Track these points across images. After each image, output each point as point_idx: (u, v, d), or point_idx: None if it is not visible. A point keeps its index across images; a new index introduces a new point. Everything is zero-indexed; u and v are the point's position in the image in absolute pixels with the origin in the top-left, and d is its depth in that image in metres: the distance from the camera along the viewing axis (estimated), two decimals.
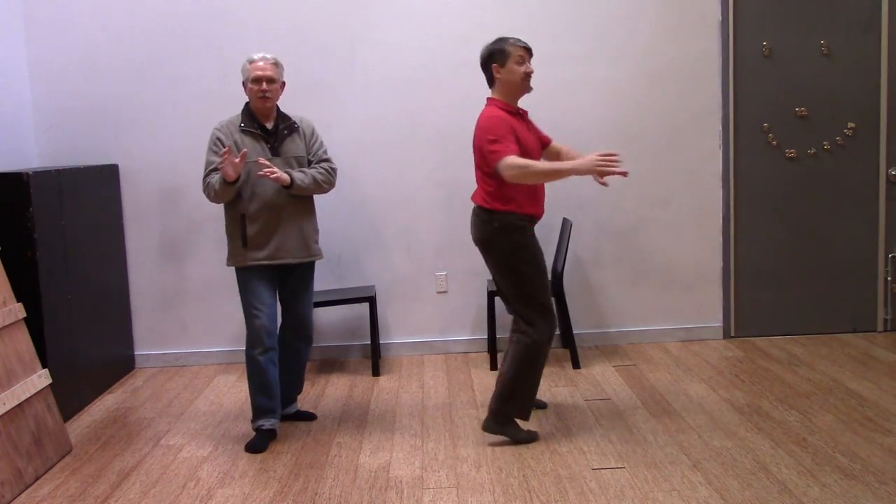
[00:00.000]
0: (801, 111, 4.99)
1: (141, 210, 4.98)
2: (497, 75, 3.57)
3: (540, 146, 3.74)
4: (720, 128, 4.99)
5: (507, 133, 3.47)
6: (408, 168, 4.97)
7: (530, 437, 3.64)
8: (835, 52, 4.96)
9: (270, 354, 3.72)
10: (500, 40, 3.58)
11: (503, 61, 3.55)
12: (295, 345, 3.93)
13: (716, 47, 4.94)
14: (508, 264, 3.57)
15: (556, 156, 3.82)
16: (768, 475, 3.20)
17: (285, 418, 3.99)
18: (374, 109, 4.93)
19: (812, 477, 3.17)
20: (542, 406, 4.05)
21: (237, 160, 3.50)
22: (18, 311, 3.62)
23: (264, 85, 3.64)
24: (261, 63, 3.66)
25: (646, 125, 4.98)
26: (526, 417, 3.66)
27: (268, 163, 3.57)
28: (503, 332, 4.58)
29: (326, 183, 3.79)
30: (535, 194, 3.61)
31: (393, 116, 4.94)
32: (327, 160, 3.85)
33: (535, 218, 3.64)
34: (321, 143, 3.88)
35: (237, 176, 3.54)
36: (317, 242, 3.85)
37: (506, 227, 3.54)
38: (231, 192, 3.60)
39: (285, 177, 3.59)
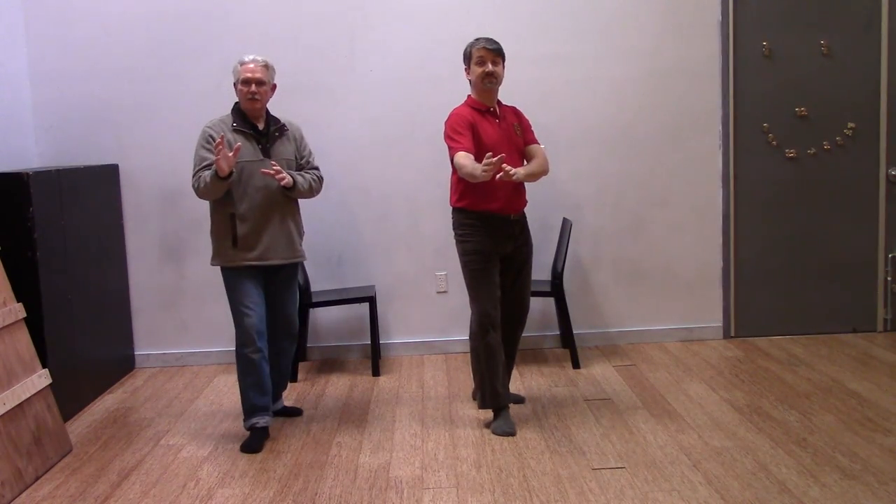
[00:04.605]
0: (801, 111, 4.99)
1: (141, 210, 4.98)
2: (467, 76, 3.83)
3: (512, 144, 3.80)
4: (720, 128, 4.99)
5: (463, 129, 3.67)
6: (408, 168, 4.97)
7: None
8: (835, 52, 4.96)
9: (263, 352, 3.74)
10: (469, 43, 3.81)
11: (468, 63, 3.80)
12: (281, 344, 3.96)
13: (716, 47, 4.94)
14: (459, 257, 3.84)
15: (529, 158, 3.87)
16: (768, 475, 3.20)
17: (274, 414, 4.01)
18: (374, 109, 4.93)
19: (812, 477, 3.17)
20: (519, 400, 4.12)
21: (231, 154, 3.51)
22: (18, 311, 3.62)
23: (253, 87, 3.68)
24: (251, 65, 3.70)
25: (646, 125, 4.98)
26: (486, 406, 3.84)
27: (275, 164, 3.65)
28: None
29: (317, 191, 3.94)
30: (488, 191, 3.70)
31: (393, 116, 4.94)
32: (316, 168, 3.97)
33: (489, 214, 3.74)
34: (310, 150, 3.97)
35: (230, 171, 3.55)
36: (301, 244, 3.90)
37: (456, 223, 3.82)
38: (222, 187, 3.61)
39: (289, 179, 3.65)
